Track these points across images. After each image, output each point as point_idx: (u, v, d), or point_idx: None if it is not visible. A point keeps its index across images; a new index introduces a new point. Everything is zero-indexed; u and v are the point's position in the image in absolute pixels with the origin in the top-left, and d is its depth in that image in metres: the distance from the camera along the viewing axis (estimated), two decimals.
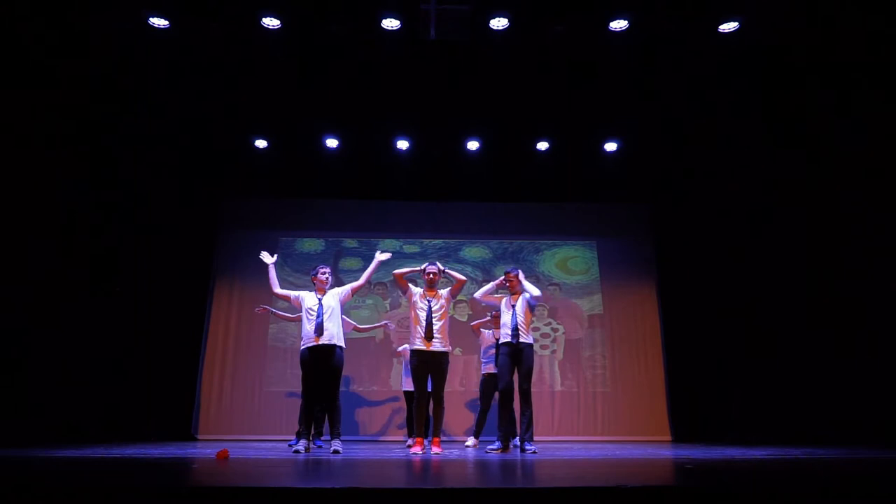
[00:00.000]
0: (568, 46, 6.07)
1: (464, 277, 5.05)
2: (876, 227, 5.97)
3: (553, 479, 2.64)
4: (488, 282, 5.52)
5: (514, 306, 5.07)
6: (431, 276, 4.93)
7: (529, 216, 8.73)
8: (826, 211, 6.53)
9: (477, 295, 5.32)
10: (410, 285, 5.03)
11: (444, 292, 4.99)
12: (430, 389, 5.00)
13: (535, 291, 5.07)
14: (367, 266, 5.04)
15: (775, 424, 6.74)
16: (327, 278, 4.98)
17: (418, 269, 5.04)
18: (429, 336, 4.79)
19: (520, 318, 5.00)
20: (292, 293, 5.06)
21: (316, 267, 5.07)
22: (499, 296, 5.33)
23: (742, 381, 7.41)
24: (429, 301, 4.87)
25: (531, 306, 5.09)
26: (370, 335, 8.10)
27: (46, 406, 6.23)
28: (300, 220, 8.66)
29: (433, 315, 4.82)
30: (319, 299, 4.88)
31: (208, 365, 7.94)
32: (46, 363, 6.33)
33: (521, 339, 4.97)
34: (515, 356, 4.97)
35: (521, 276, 5.19)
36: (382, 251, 5.14)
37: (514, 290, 5.16)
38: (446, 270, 5.04)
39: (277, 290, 5.10)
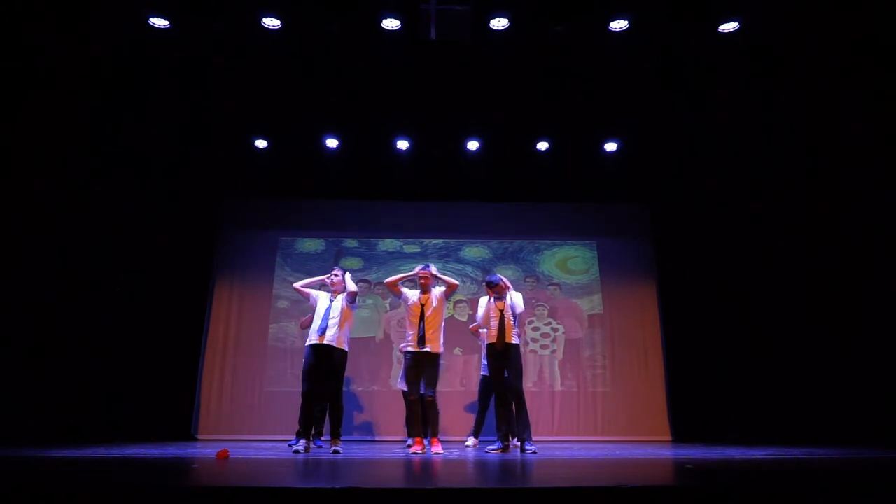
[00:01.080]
0: (568, 46, 6.07)
1: (456, 282, 5.06)
2: (876, 227, 5.97)
3: (553, 479, 2.64)
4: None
5: (501, 311, 5.05)
6: (423, 280, 4.96)
7: (529, 216, 8.73)
8: (826, 210, 6.53)
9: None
10: (404, 290, 5.07)
11: (437, 291, 4.99)
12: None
13: (520, 307, 5.06)
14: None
15: (775, 424, 6.74)
16: (333, 281, 5.08)
17: (411, 273, 5.06)
18: (421, 341, 4.83)
19: (506, 322, 4.99)
20: (312, 292, 5.20)
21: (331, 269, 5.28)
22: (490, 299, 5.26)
23: (742, 381, 7.41)
24: (422, 305, 4.88)
25: (514, 318, 5.06)
26: (369, 334, 8.11)
27: (47, 406, 6.23)
28: (300, 220, 8.66)
29: (426, 318, 4.84)
30: (331, 301, 5.00)
31: (208, 365, 7.94)
32: (46, 363, 6.33)
33: (507, 341, 4.98)
34: (502, 357, 4.98)
35: (507, 282, 5.20)
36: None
37: (500, 295, 5.12)
38: (439, 276, 5.05)
39: (297, 284, 5.27)
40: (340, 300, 5.01)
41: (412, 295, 5.02)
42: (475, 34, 5.85)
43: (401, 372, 6.27)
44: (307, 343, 4.93)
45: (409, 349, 4.91)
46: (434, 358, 4.86)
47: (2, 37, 5.34)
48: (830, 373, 6.33)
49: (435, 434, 4.87)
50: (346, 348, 4.95)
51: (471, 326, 6.41)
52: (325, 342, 4.82)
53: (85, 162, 6.73)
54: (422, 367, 4.86)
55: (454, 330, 7.88)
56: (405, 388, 5.93)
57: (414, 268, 5.11)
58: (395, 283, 5.02)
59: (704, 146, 7.61)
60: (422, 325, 4.84)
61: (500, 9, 5.57)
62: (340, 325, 4.91)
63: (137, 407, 7.12)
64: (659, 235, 8.60)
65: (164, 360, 7.42)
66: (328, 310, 4.94)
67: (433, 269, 5.01)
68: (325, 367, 4.82)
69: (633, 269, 8.61)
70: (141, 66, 6.22)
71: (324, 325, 4.85)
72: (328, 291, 5.13)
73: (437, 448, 4.72)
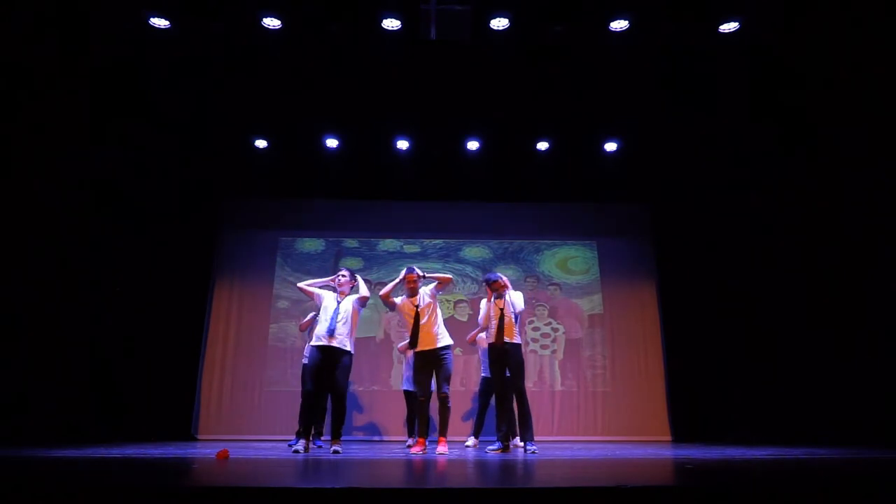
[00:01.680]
0: (568, 46, 6.07)
1: (447, 275, 5.02)
2: (876, 227, 5.97)
3: (553, 479, 2.64)
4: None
5: (501, 310, 5.04)
6: (410, 283, 4.94)
7: (529, 216, 8.73)
8: (826, 211, 6.53)
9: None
10: (395, 299, 5.05)
11: (427, 289, 4.97)
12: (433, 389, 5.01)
13: (519, 305, 5.06)
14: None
15: (775, 424, 6.74)
16: (341, 282, 5.03)
17: (399, 279, 5.03)
18: (419, 342, 4.83)
19: (506, 321, 4.99)
20: (316, 291, 5.13)
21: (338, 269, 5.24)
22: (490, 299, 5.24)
23: (742, 381, 7.41)
24: (416, 308, 4.88)
25: (515, 316, 5.06)
26: (369, 334, 8.11)
27: (47, 406, 6.23)
28: (300, 220, 8.66)
29: (422, 319, 4.83)
30: (338, 302, 4.94)
31: (208, 365, 7.94)
32: (47, 363, 6.33)
33: (507, 340, 4.96)
34: (502, 356, 4.97)
35: (507, 280, 5.19)
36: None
37: (500, 293, 5.11)
38: (426, 275, 5.03)
39: (302, 284, 5.19)
40: (349, 302, 4.95)
41: (402, 299, 5.01)
42: (475, 34, 5.85)
43: (405, 373, 6.26)
44: (313, 343, 4.86)
45: (416, 350, 4.90)
46: (444, 352, 4.83)
47: (2, 37, 5.34)
48: (830, 373, 6.32)
49: (444, 434, 4.84)
50: (352, 350, 4.91)
51: (468, 337, 6.38)
52: (334, 344, 4.77)
53: (84, 162, 6.72)
54: (433, 364, 4.85)
55: (454, 330, 7.84)
56: (411, 389, 5.93)
57: (400, 274, 5.09)
58: (387, 295, 4.99)
59: (704, 146, 7.61)
60: (416, 328, 4.82)
61: (500, 9, 5.57)
62: (348, 326, 4.89)
63: (137, 407, 7.12)
64: (659, 235, 8.60)
65: (163, 360, 7.42)
66: (336, 311, 4.87)
67: (418, 271, 5.00)
68: (331, 368, 4.78)
69: (633, 269, 8.62)
70: (141, 66, 6.22)
71: (332, 327, 4.79)
72: (335, 292, 5.07)
73: (443, 448, 4.69)
